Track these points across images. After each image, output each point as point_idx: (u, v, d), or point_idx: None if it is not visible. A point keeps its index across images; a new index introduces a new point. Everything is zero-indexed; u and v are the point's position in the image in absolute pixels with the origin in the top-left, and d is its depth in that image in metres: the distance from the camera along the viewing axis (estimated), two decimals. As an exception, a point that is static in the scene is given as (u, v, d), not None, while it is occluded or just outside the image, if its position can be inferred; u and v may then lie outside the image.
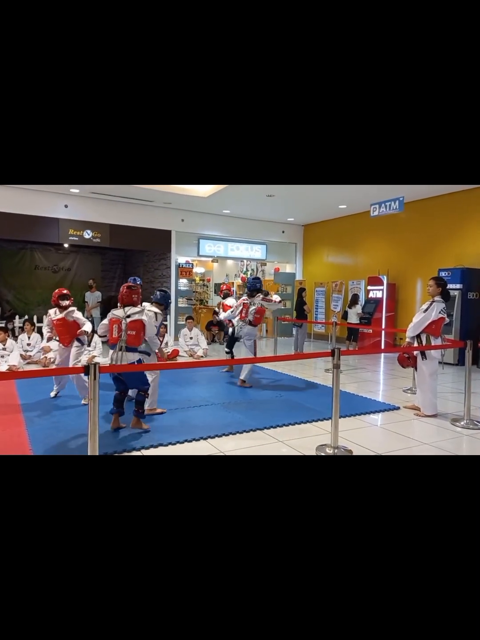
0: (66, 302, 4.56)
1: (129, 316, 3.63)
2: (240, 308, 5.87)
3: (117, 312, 3.68)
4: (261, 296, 5.82)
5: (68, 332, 4.56)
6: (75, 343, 4.65)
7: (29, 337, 7.29)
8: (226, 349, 6.50)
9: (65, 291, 4.64)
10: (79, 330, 4.55)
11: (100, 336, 3.97)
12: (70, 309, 4.58)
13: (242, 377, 5.65)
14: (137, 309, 3.70)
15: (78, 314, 4.63)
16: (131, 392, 4.10)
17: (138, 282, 5.51)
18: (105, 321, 3.80)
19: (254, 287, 5.89)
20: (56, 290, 4.65)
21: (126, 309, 3.67)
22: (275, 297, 6.14)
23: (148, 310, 4.23)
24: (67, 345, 4.62)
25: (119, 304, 3.78)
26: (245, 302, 5.84)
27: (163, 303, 4.46)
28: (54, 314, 4.63)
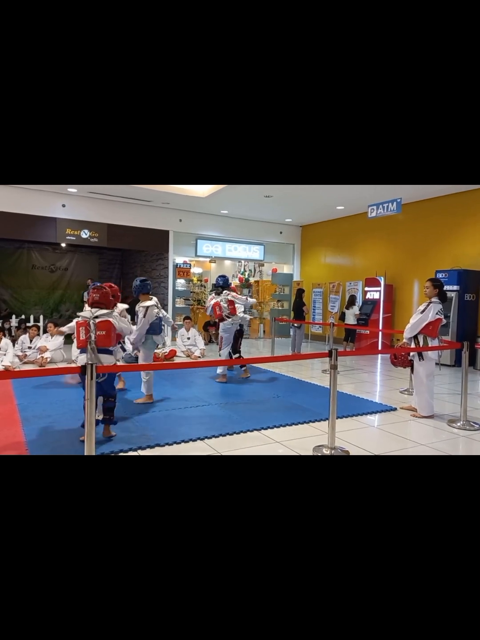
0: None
1: (97, 317, 3.53)
2: (212, 307, 6.15)
3: (84, 313, 3.60)
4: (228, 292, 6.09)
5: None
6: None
7: (31, 340, 7.21)
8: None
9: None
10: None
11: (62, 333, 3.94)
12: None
13: (218, 370, 5.95)
14: (105, 311, 3.59)
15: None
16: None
17: (95, 285, 5.44)
18: (72, 324, 3.76)
19: (217, 284, 6.22)
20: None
21: (94, 310, 3.58)
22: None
23: (142, 306, 4.62)
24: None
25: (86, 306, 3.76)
26: (217, 301, 6.09)
27: (145, 291, 4.77)
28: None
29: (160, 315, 4.81)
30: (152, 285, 5.01)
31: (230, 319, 6.00)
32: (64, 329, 4.26)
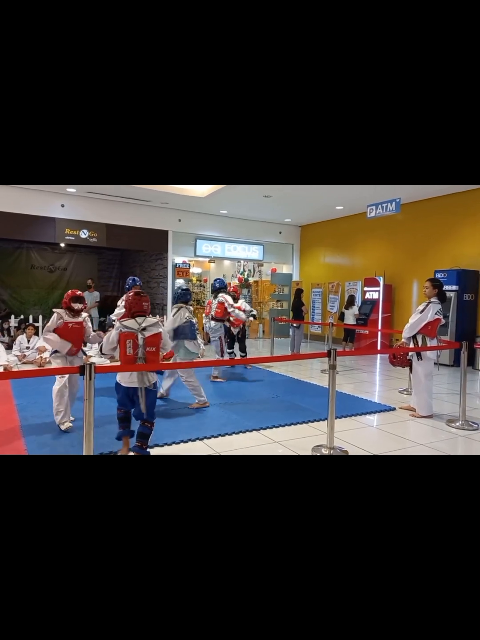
0: (79, 305, 3.98)
1: (144, 329, 3.04)
2: (206, 305, 6.41)
3: (129, 324, 3.04)
4: (222, 294, 6.12)
5: (81, 338, 4.01)
6: (81, 353, 4.13)
7: (28, 340, 7.23)
8: (228, 350, 6.78)
9: (78, 292, 4.05)
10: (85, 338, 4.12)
11: (103, 354, 3.20)
12: (83, 314, 4.06)
13: (214, 372, 6.03)
14: (153, 320, 3.13)
15: (89, 323, 4.20)
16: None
17: (138, 283, 5.31)
18: (113, 337, 3.08)
19: (214, 287, 6.33)
20: (70, 292, 4.03)
21: (138, 319, 3.08)
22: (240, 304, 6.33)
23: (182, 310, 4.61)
24: (76, 353, 4.00)
25: (117, 312, 3.32)
26: (210, 300, 6.30)
27: (185, 300, 4.76)
28: (66, 316, 3.91)
29: (193, 320, 4.69)
30: (191, 294, 5.15)
31: (212, 322, 6.07)
32: (46, 348, 3.81)
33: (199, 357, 4.78)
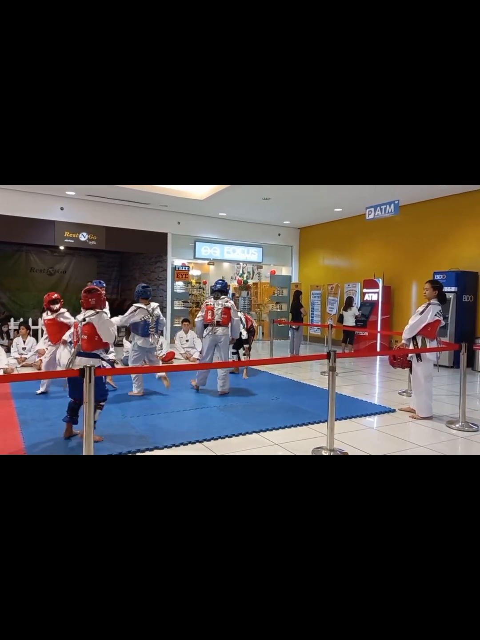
0: (56, 306, 5.15)
1: (84, 319, 3.54)
2: (205, 311, 5.43)
3: (79, 316, 3.66)
4: (226, 298, 5.44)
5: (58, 332, 5.13)
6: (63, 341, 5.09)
7: (24, 342, 7.25)
8: (232, 350, 6.55)
9: (54, 296, 5.22)
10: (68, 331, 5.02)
11: (67, 341, 4.10)
12: (61, 311, 5.18)
13: (220, 387, 5.30)
14: (92, 313, 3.57)
15: (68, 316, 5.16)
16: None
17: (103, 285, 5.44)
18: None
19: (214, 289, 5.61)
20: (46, 296, 5.23)
21: (86, 312, 3.60)
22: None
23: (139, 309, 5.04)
24: (55, 343, 5.18)
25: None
26: (209, 304, 5.43)
27: (145, 296, 5.15)
28: (45, 315, 5.27)
29: (147, 319, 5.07)
30: (152, 291, 5.49)
31: (210, 328, 5.31)
32: (65, 337, 4.80)
33: (158, 352, 5.33)
